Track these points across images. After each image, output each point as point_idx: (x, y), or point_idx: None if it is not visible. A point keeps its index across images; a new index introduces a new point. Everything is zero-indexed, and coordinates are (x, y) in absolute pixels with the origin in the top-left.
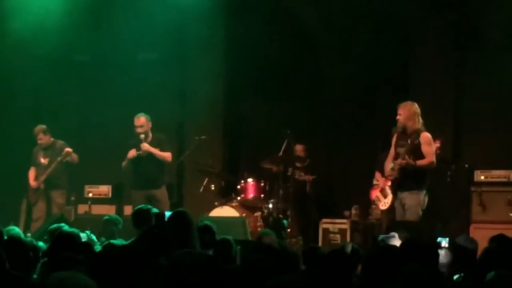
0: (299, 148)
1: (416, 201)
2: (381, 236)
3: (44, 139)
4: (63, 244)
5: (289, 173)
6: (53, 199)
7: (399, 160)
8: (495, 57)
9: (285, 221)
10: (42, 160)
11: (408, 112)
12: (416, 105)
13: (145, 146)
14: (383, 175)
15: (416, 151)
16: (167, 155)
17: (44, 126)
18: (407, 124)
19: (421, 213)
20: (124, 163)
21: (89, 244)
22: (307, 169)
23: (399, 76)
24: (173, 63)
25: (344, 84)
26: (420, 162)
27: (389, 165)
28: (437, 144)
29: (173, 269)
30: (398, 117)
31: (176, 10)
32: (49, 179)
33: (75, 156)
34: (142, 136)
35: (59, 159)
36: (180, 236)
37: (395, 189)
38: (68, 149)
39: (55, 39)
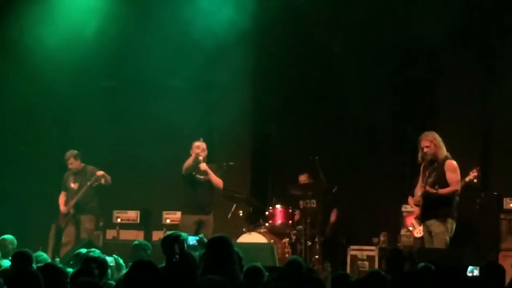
0: (302, 178)
1: (442, 229)
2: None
3: (74, 164)
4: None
5: (314, 205)
6: (82, 224)
7: (422, 190)
8: None
9: None
10: (72, 185)
11: (435, 141)
12: (432, 132)
13: (204, 165)
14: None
15: (441, 179)
16: (220, 182)
17: (75, 151)
18: (437, 153)
19: (448, 240)
20: (187, 164)
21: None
22: (334, 196)
23: (427, 102)
24: (200, 90)
25: (371, 110)
26: (443, 191)
27: (418, 193)
28: (475, 173)
29: None
30: (426, 149)
31: (204, 38)
32: (79, 204)
33: (108, 178)
34: (201, 158)
35: (89, 183)
36: (219, 261)
37: (422, 216)
38: (100, 172)
39: (83, 65)
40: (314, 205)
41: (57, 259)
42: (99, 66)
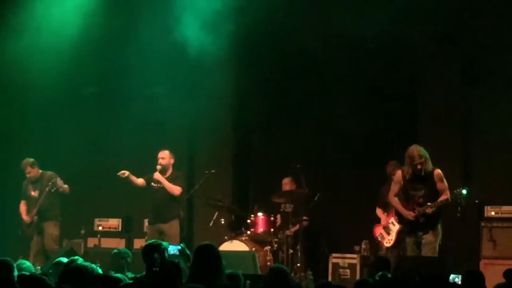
0: (286, 181)
1: (435, 237)
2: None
3: (32, 172)
4: (70, 277)
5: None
6: (45, 230)
7: (428, 209)
8: (505, 92)
9: None
10: (33, 193)
11: (426, 155)
12: (419, 146)
13: (156, 175)
14: (384, 210)
15: (433, 190)
16: (176, 189)
17: (31, 160)
18: (427, 167)
19: (437, 248)
20: (139, 182)
21: (103, 277)
22: (316, 204)
23: (407, 111)
24: (182, 98)
25: (352, 117)
26: (440, 203)
27: (393, 199)
28: None
29: None
30: (420, 166)
31: (185, 45)
32: (40, 211)
33: (66, 187)
34: (159, 167)
35: (47, 189)
36: (206, 270)
37: (414, 229)
38: (55, 181)
39: (65, 72)
40: (290, 210)
41: (38, 268)
42: (81, 73)
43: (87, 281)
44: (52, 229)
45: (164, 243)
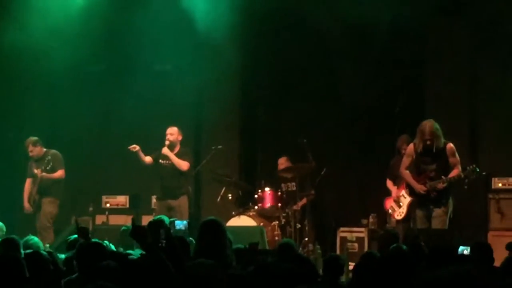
0: (282, 161)
1: (446, 210)
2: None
3: (34, 150)
4: (91, 254)
5: (293, 188)
6: (42, 207)
7: (440, 185)
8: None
9: None
10: (35, 171)
11: (437, 132)
12: (433, 121)
13: (164, 149)
14: (395, 183)
15: (445, 165)
16: (184, 164)
17: (34, 138)
18: (438, 144)
19: (448, 221)
20: (146, 160)
21: (119, 253)
22: (323, 178)
23: (415, 82)
24: (188, 74)
25: (359, 90)
26: (453, 178)
27: (404, 172)
28: None
29: (187, 279)
30: (429, 142)
31: (191, 20)
32: (40, 188)
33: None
34: (167, 142)
35: (43, 167)
36: (211, 245)
37: (425, 202)
38: (50, 159)
39: (71, 50)
40: (294, 188)
41: (47, 245)
42: (87, 51)
43: (105, 256)
44: (48, 207)
45: (165, 218)
